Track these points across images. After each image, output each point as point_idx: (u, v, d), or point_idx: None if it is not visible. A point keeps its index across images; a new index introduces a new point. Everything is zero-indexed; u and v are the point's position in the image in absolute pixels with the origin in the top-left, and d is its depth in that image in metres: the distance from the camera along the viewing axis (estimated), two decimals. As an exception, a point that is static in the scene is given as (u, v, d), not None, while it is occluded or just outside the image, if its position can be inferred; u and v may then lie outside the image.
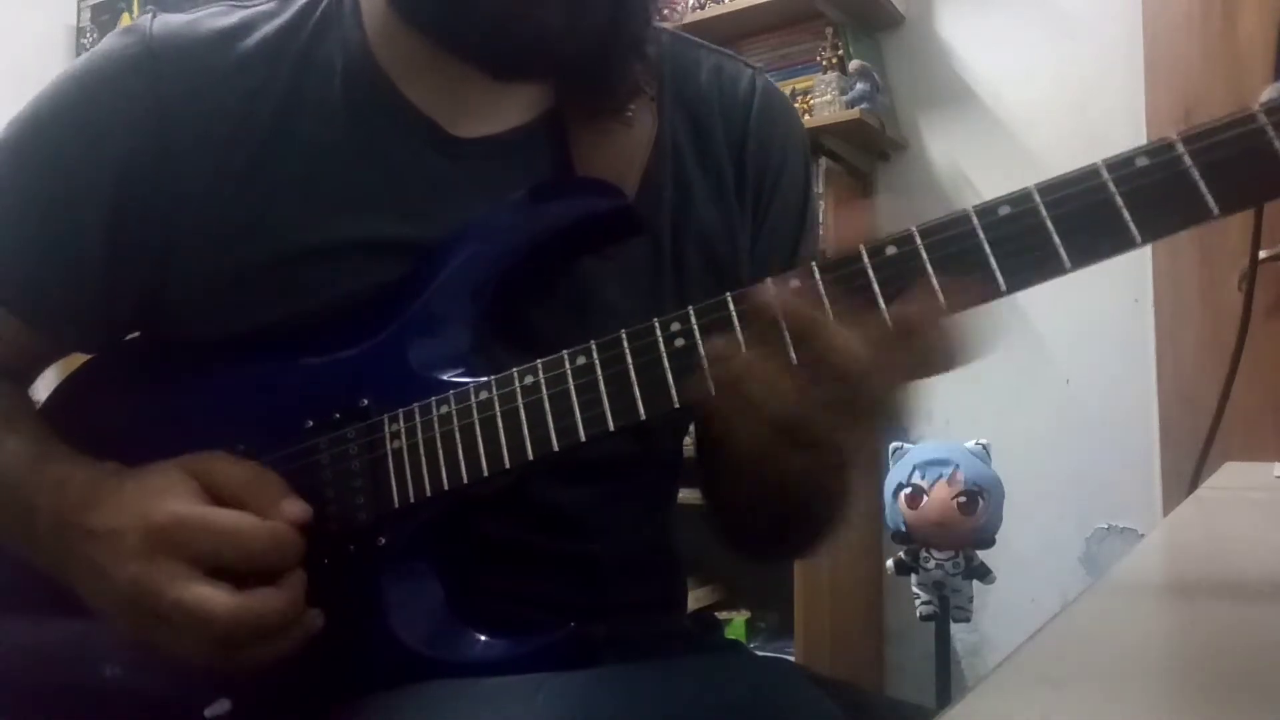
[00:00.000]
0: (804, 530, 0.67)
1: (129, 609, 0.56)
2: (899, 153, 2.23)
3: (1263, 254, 0.92)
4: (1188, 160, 0.44)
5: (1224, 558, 0.61)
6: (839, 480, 0.58)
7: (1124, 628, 0.42)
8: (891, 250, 0.48)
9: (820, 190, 2.03)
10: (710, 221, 0.70)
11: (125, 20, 2.91)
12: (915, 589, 1.88)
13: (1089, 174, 0.46)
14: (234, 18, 0.68)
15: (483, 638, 0.58)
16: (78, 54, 2.95)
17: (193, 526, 0.55)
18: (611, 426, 0.53)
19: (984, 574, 1.84)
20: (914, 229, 0.48)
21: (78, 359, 0.73)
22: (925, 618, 1.87)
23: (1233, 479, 0.99)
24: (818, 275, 0.49)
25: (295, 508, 0.58)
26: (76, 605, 0.59)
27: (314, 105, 0.65)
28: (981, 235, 0.47)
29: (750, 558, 0.72)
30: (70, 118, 0.65)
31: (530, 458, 0.55)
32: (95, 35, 2.95)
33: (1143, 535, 1.74)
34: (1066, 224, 0.46)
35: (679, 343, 0.52)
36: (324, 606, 0.58)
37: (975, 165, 2.16)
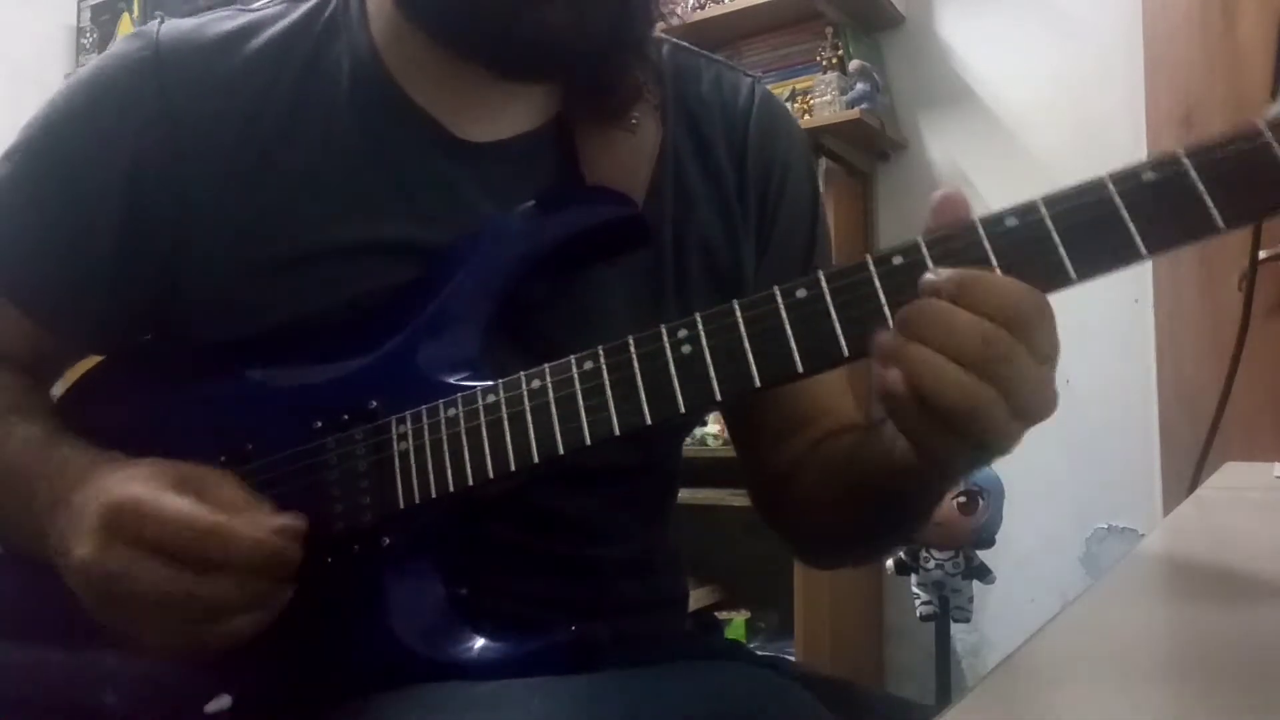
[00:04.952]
0: (888, 527, 0.67)
1: (86, 585, 0.55)
2: (899, 153, 2.23)
3: (1263, 254, 0.92)
4: (1193, 175, 0.45)
5: (1224, 558, 0.62)
6: (946, 476, 0.58)
7: (1124, 628, 0.42)
8: (898, 260, 0.49)
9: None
10: (712, 230, 0.71)
11: (125, 20, 2.91)
12: (915, 589, 1.88)
13: (1095, 186, 0.46)
14: (241, 21, 0.68)
15: (483, 640, 0.58)
16: (78, 54, 2.95)
17: (147, 510, 0.53)
18: (617, 431, 0.53)
19: (984, 574, 1.84)
20: (920, 239, 0.49)
21: (90, 362, 0.73)
22: (925, 618, 1.86)
23: (1233, 479, 0.99)
24: (824, 284, 0.50)
25: (284, 520, 0.56)
26: (76, 604, 0.58)
27: (322, 108, 0.66)
28: (988, 246, 0.47)
29: (816, 556, 0.72)
30: (81, 122, 0.66)
31: (535, 461, 0.55)
32: (95, 35, 2.95)
33: (1143, 535, 1.74)
34: (1072, 236, 0.46)
35: (686, 349, 0.52)
36: (327, 606, 0.58)
37: (975, 165, 2.16)
